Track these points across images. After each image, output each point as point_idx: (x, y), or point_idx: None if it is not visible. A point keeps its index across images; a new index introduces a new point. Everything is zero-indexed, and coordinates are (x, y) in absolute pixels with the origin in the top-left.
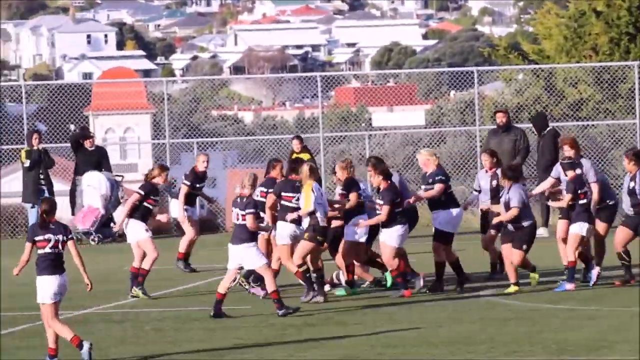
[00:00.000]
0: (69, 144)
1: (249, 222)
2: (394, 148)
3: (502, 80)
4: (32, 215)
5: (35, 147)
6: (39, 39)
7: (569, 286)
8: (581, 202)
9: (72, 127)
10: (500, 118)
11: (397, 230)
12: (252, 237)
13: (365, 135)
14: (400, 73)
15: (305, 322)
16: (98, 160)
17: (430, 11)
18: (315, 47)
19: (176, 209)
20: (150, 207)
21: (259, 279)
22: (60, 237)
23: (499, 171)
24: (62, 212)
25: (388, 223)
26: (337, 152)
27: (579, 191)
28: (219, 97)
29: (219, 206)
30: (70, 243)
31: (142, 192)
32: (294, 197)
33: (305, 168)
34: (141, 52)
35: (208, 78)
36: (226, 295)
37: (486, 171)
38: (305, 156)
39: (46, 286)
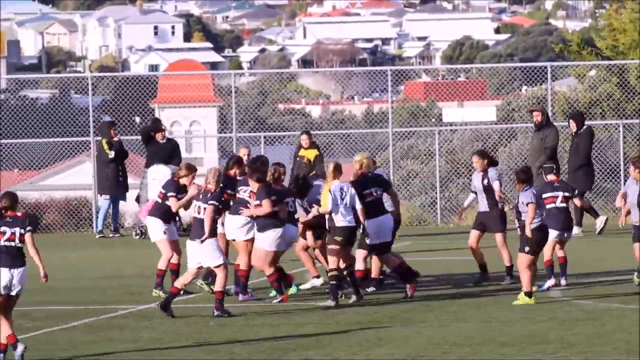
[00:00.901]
0: (134, 137)
1: (208, 212)
2: (463, 144)
3: (574, 76)
4: (105, 207)
5: (115, 139)
6: (106, 30)
7: (549, 282)
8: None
9: (137, 119)
10: (536, 117)
11: (270, 234)
12: (211, 233)
13: (435, 130)
14: (472, 68)
15: (370, 319)
16: (169, 153)
17: (503, 5)
18: (386, 41)
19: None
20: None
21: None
22: (17, 230)
23: (490, 170)
24: (132, 206)
25: (262, 227)
26: (405, 148)
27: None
28: (286, 90)
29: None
30: (27, 236)
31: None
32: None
33: (330, 167)
34: (208, 44)
35: (276, 71)
36: (180, 292)
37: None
38: (313, 152)
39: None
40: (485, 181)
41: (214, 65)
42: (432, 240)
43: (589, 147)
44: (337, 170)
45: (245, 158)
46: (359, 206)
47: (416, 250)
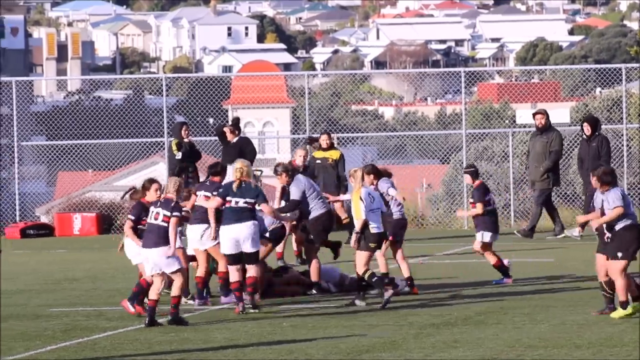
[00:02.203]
0: (207, 138)
1: (173, 223)
2: None
3: None
4: None
5: (185, 139)
6: (180, 31)
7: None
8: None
9: (210, 120)
10: (539, 119)
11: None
12: (166, 240)
13: (508, 132)
14: (545, 69)
15: (444, 321)
16: (240, 150)
17: (577, 6)
18: (459, 42)
19: None
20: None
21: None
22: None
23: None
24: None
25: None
26: (479, 149)
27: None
28: (359, 91)
29: None
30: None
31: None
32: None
33: (359, 174)
34: (282, 46)
35: (349, 72)
36: (158, 301)
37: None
38: (336, 153)
39: None
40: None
41: (287, 67)
42: (505, 242)
43: (610, 152)
44: (377, 173)
45: (301, 159)
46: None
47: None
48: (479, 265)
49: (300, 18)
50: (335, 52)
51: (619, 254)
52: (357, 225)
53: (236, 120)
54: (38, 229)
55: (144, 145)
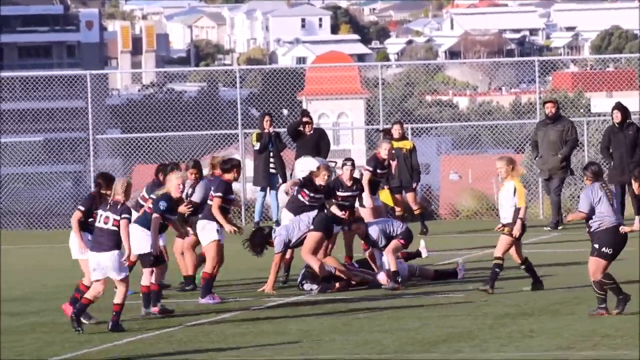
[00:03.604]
0: (281, 129)
1: (124, 225)
2: None
3: None
4: (260, 199)
5: (266, 130)
6: (254, 23)
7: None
8: None
9: (285, 111)
10: (550, 108)
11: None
12: (117, 244)
13: (583, 121)
14: (620, 58)
15: (519, 311)
16: (316, 143)
17: None
18: (533, 31)
19: None
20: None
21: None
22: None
23: None
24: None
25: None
26: None
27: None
28: (433, 82)
29: (433, 193)
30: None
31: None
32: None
33: (507, 165)
34: (355, 36)
35: (423, 62)
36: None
37: None
38: (408, 144)
39: None
40: None
41: (361, 57)
42: (579, 232)
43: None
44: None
45: (385, 152)
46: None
47: (566, 241)
48: (554, 255)
49: (374, 9)
50: (409, 42)
51: None
52: (522, 212)
53: (308, 112)
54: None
55: (218, 137)
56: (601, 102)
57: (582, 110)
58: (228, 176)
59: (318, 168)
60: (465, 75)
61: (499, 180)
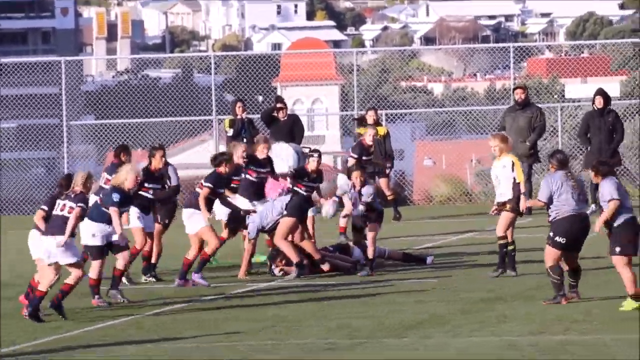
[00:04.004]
0: (256, 116)
1: (75, 213)
2: None
3: None
4: None
5: (239, 116)
6: (229, 10)
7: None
8: None
9: (260, 98)
10: (519, 94)
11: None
12: (70, 234)
13: (557, 107)
14: (595, 44)
15: (494, 297)
16: (290, 128)
17: None
18: (509, 18)
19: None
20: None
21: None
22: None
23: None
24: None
25: None
26: None
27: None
28: (408, 68)
29: (407, 179)
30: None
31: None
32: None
33: (502, 143)
34: (331, 23)
35: (398, 49)
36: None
37: None
38: (382, 130)
39: None
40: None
41: (336, 44)
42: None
43: (623, 127)
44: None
45: (370, 138)
46: None
47: (541, 225)
48: (528, 240)
49: None
50: (385, 28)
51: (617, 249)
52: (523, 186)
53: (282, 98)
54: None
55: (192, 123)
56: (575, 88)
57: (556, 96)
58: (220, 169)
59: (257, 142)
60: (440, 61)
61: (471, 165)
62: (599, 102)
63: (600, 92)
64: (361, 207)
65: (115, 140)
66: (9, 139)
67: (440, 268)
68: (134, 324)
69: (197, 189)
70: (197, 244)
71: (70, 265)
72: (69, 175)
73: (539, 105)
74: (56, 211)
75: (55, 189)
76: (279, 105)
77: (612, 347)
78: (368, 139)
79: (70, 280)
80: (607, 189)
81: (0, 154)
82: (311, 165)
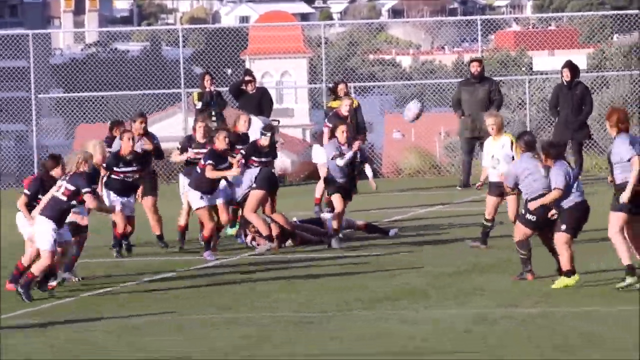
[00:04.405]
0: (224, 89)
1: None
2: None
3: None
4: None
5: (207, 89)
6: None
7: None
8: None
9: (228, 71)
10: (476, 67)
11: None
12: (57, 216)
13: (525, 79)
14: (562, 16)
15: (468, 270)
16: (259, 101)
17: None
18: None
19: None
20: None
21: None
22: None
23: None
24: None
25: None
26: None
27: None
28: (376, 41)
29: (376, 151)
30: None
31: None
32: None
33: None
34: None
35: (366, 22)
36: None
37: None
38: (353, 102)
39: None
40: None
41: (304, 17)
42: None
43: (592, 100)
44: None
45: (346, 109)
46: None
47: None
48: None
49: None
50: (352, 1)
51: (563, 227)
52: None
53: (251, 71)
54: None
55: (161, 96)
56: (543, 61)
57: (524, 69)
58: (217, 144)
59: (239, 117)
60: (408, 34)
61: (440, 138)
62: (567, 75)
63: (568, 65)
64: (346, 160)
65: (85, 114)
66: None
67: (409, 241)
68: (110, 298)
69: (198, 169)
70: (208, 219)
71: (44, 251)
72: (53, 155)
73: (502, 79)
74: (55, 192)
75: (40, 168)
76: (247, 78)
77: (579, 319)
78: (344, 109)
79: (34, 269)
80: (554, 177)
81: None
82: (263, 141)
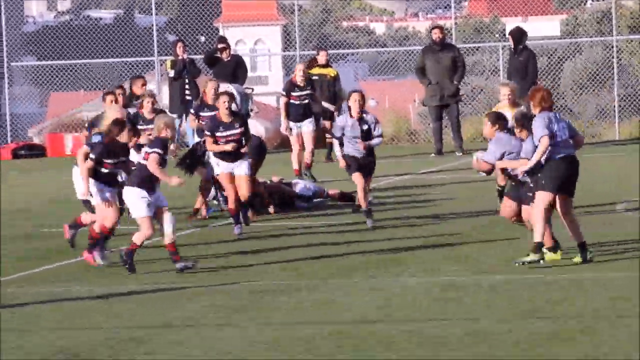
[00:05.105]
0: (198, 56)
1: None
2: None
3: None
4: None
5: (180, 57)
6: None
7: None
8: None
9: (202, 38)
10: (437, 34)
11: None
12: (142, 183)
13: (499, 46)
14: None
15: (444, 238)
16: (233, 69)
17: None
18: None
19: None
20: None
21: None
22: None
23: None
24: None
25: None
26: (470, 64)
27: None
28: (350, 8)
29: None
30: None
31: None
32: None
33: (514, 92)
34: None
35: None
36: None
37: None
38: (332, 71)
39: None
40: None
41: None
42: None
43: (536, 67)
44: None
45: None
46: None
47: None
48: (477, 186)
49: None
50: None
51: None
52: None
53: (225, 38)
54: (30, 150)
55: (134, 64)
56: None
57: (497, 35)
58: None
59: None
60: (382, 1)
61: (414, 105)
62: (511, 43)
63: (510, 33)
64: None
65: (58, 82)
66: None
67: (384, 209)
68: (84, 266)
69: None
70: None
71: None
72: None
73: (476, 45)
74: (139, 159)
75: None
76: (221, 45)
77: (552, 284)
78: (298, 75)
79: (135, 238)
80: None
81: None
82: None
